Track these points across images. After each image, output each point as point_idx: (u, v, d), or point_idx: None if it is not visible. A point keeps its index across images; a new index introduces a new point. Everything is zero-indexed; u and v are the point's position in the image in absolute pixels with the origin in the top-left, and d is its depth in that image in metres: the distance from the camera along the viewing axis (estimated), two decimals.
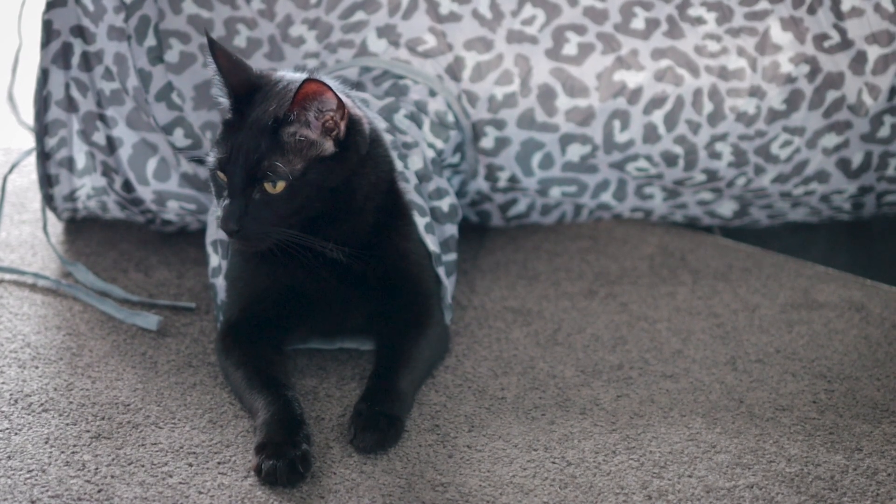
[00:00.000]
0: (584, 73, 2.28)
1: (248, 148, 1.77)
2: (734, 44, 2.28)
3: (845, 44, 2.27)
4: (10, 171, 2.36)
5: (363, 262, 1.86)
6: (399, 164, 1.97)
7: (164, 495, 1.67)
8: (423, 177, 2.05)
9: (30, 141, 2.58)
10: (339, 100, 1.78)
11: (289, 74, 1.86)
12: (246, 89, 1.82)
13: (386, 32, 2.27)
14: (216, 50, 1.82)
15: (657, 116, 2.29)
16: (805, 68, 2.27)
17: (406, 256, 1.91)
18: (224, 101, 1.84)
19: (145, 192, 2.23)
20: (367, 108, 1.96)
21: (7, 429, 1.78)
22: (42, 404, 1.84)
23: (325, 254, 1.83)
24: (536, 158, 2.30)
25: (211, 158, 1.81)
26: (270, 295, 1.89)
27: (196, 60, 2.20)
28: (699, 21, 2.30)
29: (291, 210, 1.78)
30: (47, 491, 1.67)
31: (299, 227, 1.80)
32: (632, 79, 2.28)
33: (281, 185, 1.77)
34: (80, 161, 2.25)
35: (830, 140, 2.30)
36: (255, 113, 1.79)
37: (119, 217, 2.33)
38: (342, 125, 1.79)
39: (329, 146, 1.79)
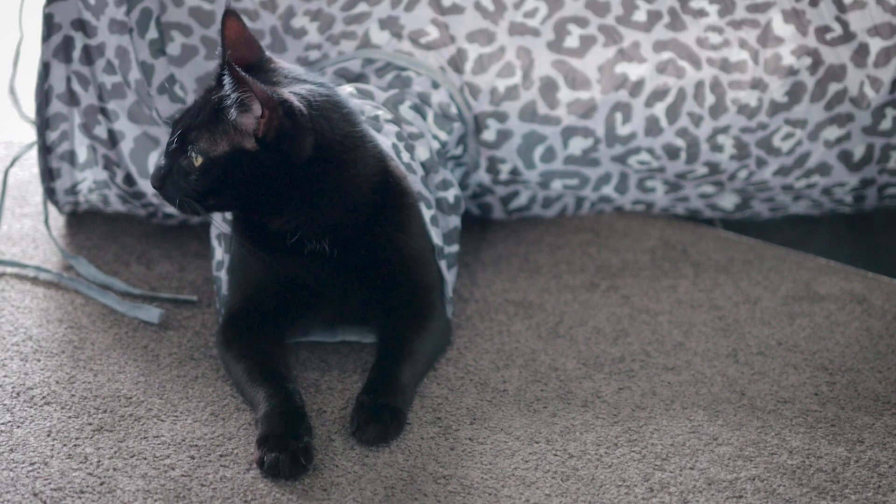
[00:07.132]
0: (585, 65, 2.27)
1: (192, 113, 1.79)
2: (736, 36, 2.28)
3: (847, 36, 2.27)
4: (12, 164, 2.36)
5: (353, 254, 1.85)
6: (406, 156, 1.97)
7: (166, 488, 1.67)
8: (429, 168, 2.05)
9: (31, 134, 2.58)
10: (264, 109, 1.74)
11: (283, 65, 1.85)
12: (244, 67, 1.80)
13: (388, 24, 2.27)
14: (229, 20, 1.82)
15: (659, 109, 2.28)
16: (807, 61, 2.27)
17: (403, 250, 1.90)
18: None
19: (147, 186, 2.23)
20: (365, 100, 1.94)
21: (9, 422, 1.78)
22: (44, 397, 1.84)
23: (304, 245, 1.82)
24: (538, 152, 2.30)
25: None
26: (271, 288, 1.89)
27: (198, 53, 2.20)
28: (701, 13, 2.29)
29: (205, 189, 1.78)
30: (49, 484, 1.67)
31: (244, 211, 1.82)
32: (633, 71, 2.27)
33: (199, 161, 1.77)
34: (82, 155, 2.25)
35: (832, 133, 2.30)
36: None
37: (121, 210, 2.33)
38: (263, 128, 1.75)
39: (251, 142, 1.77)
